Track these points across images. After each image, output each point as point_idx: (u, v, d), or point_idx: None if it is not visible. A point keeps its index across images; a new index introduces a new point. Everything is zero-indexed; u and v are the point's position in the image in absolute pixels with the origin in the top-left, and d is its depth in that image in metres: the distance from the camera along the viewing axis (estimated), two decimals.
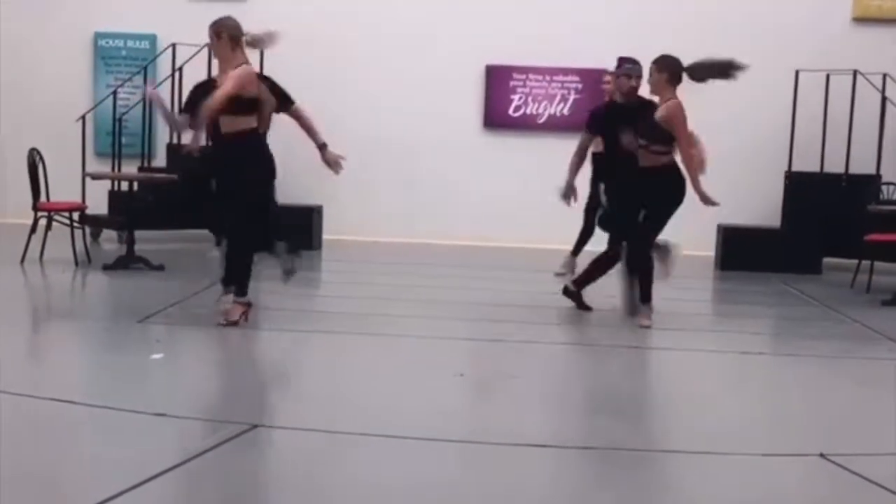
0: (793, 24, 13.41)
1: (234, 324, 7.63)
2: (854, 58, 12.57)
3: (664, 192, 8.25)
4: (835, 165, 12.54)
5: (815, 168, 12.69)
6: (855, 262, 10.87)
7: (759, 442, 5.52)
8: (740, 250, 11.95)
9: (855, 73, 12.38)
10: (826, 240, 11.88)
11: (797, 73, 12.53)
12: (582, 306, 8.88)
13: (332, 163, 8.08)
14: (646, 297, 8.38)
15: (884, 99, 12.28)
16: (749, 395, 6.68)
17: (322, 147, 8.11)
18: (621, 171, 8.46)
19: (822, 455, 4.98)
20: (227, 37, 7.88)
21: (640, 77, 8.81)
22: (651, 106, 8.52)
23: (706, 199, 8.14)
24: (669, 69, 8.29)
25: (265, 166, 7.81)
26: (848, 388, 6.97)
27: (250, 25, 13.34)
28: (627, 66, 8.81)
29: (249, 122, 7.72)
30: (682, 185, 8.22)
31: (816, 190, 12.44)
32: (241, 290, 7.75)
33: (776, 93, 12.87)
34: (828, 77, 12.57)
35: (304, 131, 8.15)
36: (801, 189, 12.57)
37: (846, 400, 6.68)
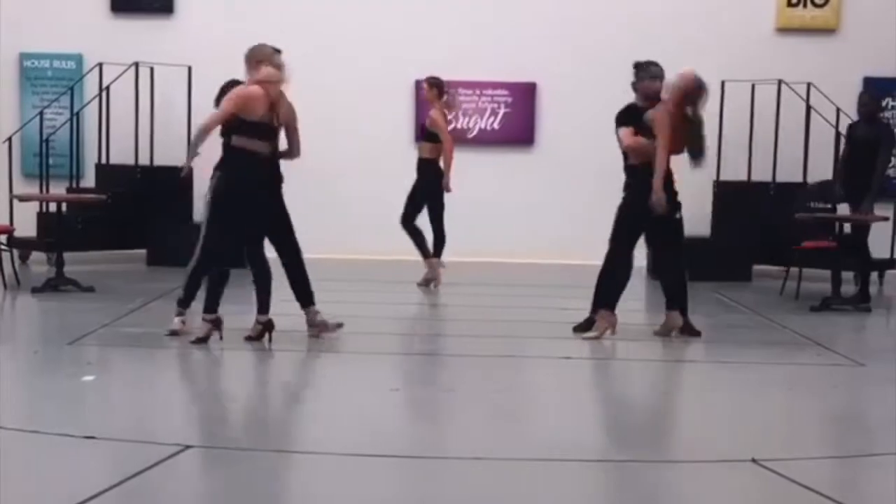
0: (718, 34, 13.53)
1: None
2: (778, 67, 12.73)
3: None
4: (762, 174, 12.68)
5: (743, 177, 12.82)
6: (784, 269, 10.99)
7: (692, 448, 5.57)
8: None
9: (780, 82, 12.53)
10: (755, 247, 12.00)
11: (723, 82, 12.65)
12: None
13: None
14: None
15: (808, 107, 12.43)
16: (680, 403, 6.74)
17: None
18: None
19: (753, 460, 5.03)
20: (246, 59, 7.79)
21: (662, 79, 8.51)
22: None
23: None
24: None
25: (242, 191, 7.69)
26: (778, 394, 7.05)
27: (177, 44, 13.31)
28: (654, 69, 8.51)
29: (255, 144, 7.67)
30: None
31: (745, 198, 12.57)
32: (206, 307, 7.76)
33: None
34: (753, 87, 12.72)
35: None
36: (729, 198, 12.69)
37: (777, 405, 6.76)
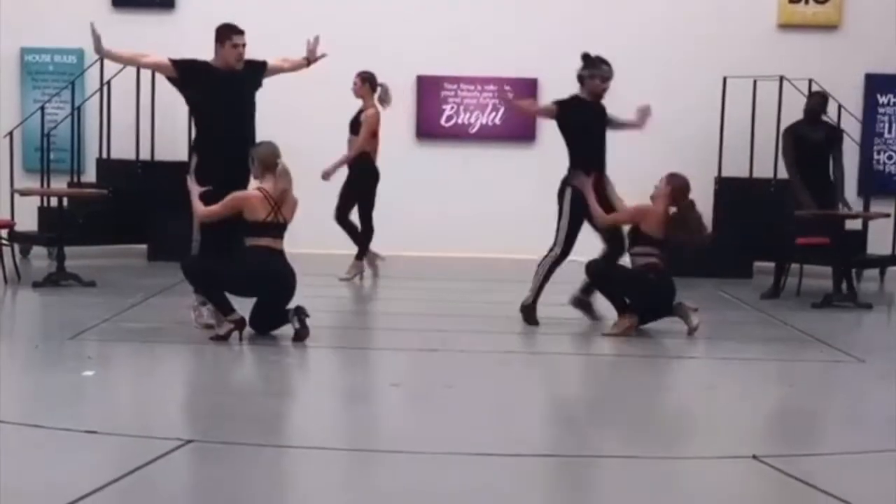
0: (720, 31, 13.53)
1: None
2: (780, 64, 12.72)
3: None
4: (764, 170, 12.68)
5: (745, 173, 12.82)
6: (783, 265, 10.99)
7: (692, 444, 5.57)
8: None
9: (781, 78, 12.53)
10: (756, 244, 11.99)
11: (725, 79, 12.65)
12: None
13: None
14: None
15: None
16: (681, 399, 6.73)
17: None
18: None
19: (754, 457, 5.03)
20: (256, 163, 7.87)
21: (611, 79, 8.72)
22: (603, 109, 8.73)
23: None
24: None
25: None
26: (779, 391, 7.06)
27: (178, 38, 13.29)
28: (605, 69, 8.69)
29: (263, 241, 7.80)
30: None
31: (746, 195, 12.56)
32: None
33: (705, 99, 12.99)
34: (755, 83, 12.71)
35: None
36: (730, 194, 12.69)
37: (778, 402, 6.77)
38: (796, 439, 5.86)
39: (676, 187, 8.44)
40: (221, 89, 8.12)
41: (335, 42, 13.77)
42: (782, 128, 12.47)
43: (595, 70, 8.66)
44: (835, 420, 6.24)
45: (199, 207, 7.84)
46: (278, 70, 8.68)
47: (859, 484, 4.73)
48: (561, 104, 8.73)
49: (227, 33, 8.20)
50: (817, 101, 11.18)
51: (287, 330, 7.78)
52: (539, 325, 8.59)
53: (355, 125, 11.27)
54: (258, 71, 8.38)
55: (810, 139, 10.94)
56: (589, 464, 5.15)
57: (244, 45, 8.24)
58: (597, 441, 5.65)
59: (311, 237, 11.73)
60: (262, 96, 8.37)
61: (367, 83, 11.31)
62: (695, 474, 4.99)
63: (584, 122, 8.60)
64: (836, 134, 11.09)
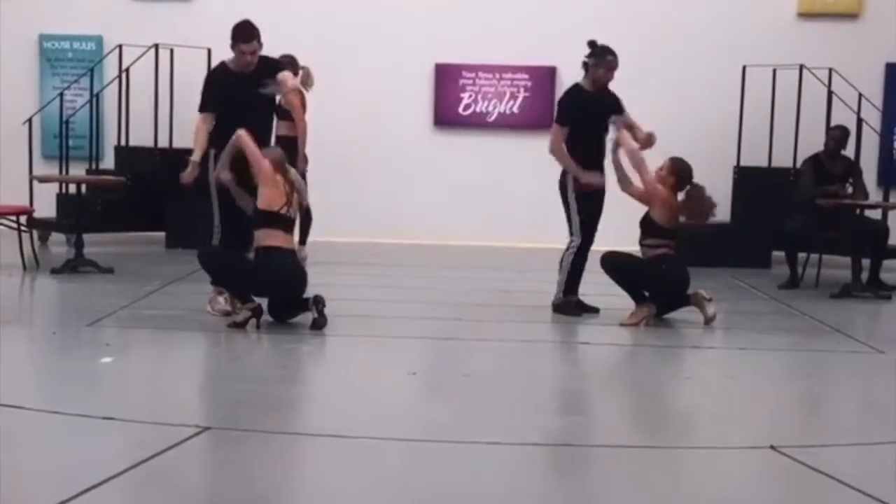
0: (739, 19, 13.47)
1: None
2: (800, 53, 12.67)
3: None
4: (782, 160, 12.62)
5: (763, 163, 12.77)
6: (804, 255, 10.94)
7: (711, 435, 5.56)
8: (690, 245, 11.98)
9: (801, 67, 12.47)
10: (775, 234, 11.94)
11: (744, 68, 12.60)
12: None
13: None
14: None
15: (830, 93, 12.36)
16: (699, 389, 6.71)
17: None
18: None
19: (772, 447, 5.02)
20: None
21: (616, 69, 8.66)
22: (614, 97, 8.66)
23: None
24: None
25: None
26: (797, 381, 7.03)
27: (197, 26, 13.31)
28: (610, 58, 8.62)
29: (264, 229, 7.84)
30: None
31: (765, 184, 12.52)
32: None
33: (724, 88, 12.94)
34: (774, 72, 12.66)
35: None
36: (749, 184, 12.64)
37: (796, 392, 6.74)
38: (815, 430, 5.84)
39: (681, 175, 8.40)
40: (232, 90, 8.11)
41: (355, 29, 13.85)
42: (802, 116, 12.44)
43: (600, 59, 8.60)
44: (853, 411, 6.22)
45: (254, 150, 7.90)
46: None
47: (877, 475, 4.71)
48: (562, 117, 8.70)
49: (235, 40, 8.14)
50: (839, 134, 11.08)
51: (304, 318, 7.80)
52: (581, 315, 8.59)
53: (281, 111, 11.22)
54: (271, 73, 8.29)
55: (830, 172, 10.89)
56: (605, 454, 5.14)
57: (252, 53, 8.12)
58: (613, 431, 5.64)
59: (320, 225, 11.75)
60: None
61: (294, 67, 11.24)
62: (713, 464, 4.97)
63: (580, 117, 8.55)
64: (855, 168, 11.03)
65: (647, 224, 8.39)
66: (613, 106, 8.69)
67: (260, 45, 8.19)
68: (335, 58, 13.57)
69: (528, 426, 5.50)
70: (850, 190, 10.91)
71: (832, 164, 10.93)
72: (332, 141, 13.46)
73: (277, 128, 11.15)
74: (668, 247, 8.35)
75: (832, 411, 6.25)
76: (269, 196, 7.76)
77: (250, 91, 8.09)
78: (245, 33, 8.12)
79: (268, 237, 7.75)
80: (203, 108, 8.31)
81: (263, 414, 5.66)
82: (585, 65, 8.67)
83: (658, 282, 8.35)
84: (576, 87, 8.72)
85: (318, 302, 7.71)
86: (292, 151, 10.97)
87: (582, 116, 8.56)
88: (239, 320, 7.70)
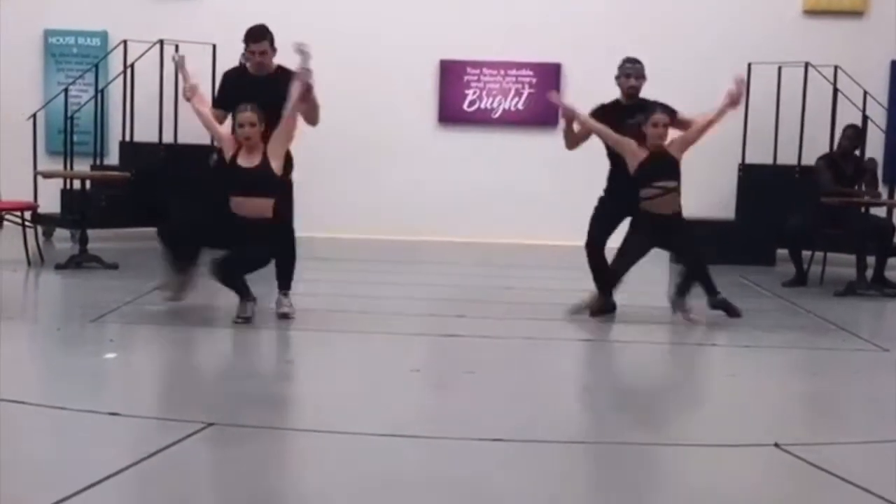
0: (744, 17, 13.47)
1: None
2: (805, 50, 12.65)
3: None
4: (788, 157, 12.62)
5: (769, 160, 12.76)
6: (808, 252, 10.93)
7: (714, 432, 5.55)
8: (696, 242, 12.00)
9: (806, 65, 12.46)
10: (779, 231, 11.94)
11: (749, 65, 12.58)
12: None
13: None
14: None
15: (835, 91, 12.36)
16: (703, 386, 6.71)
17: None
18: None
19: (776, 445, 5.01)
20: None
21: (640, 76, 8.57)
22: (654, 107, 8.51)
23: None
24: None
25: None
26: (802, 379, 7.02)
27: (202, 22, 13.31)
28: (627, 66, 8.57)
29: None
30: None
31: (770, 181, 12.51)
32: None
33: (729, 85, 12.89)
34: (780, 69, 12.65)
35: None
36: (754, 181, 12.64)
37: (800, 390, 6.73)
38: (819, 428, 5.84)
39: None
40: (245, 91, 7.97)
41: (360, 26, 13.84)
42: (807, 114, 12.43)
43: (620, 70, 8.58)
44: (857, 409, 6.20)
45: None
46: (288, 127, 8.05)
47: (882, 473, 4.71)
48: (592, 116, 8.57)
49: (246, 41, 8.11)
50: (853, 133, 11.05)
51: (308, 314, 7.80)
52: (612, 312, 8.56)
53: None
54: (284, 83, 7.99)
55: (843, 171, 10.86)
56: (608, 451, 5.14)
57: (261, 53, 8.04)
58: (616, 428, 5.63)
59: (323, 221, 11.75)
60: None
61: None
62: (716, 462, 4.97)
63: (609, 125, 8.49)
64: (867, 166, 10.99)
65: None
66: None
67: (273, 48, 8.11)
68: (340, 55, 13.57)
69: (532, 423, 5.50)
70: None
71: (845, 163, 10.91)
72: (337, 137, 13.45)
73: None
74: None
75: (836, 409, 6.24)
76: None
77: (263, 95, 7.94)
78: (255, 34, 8.09)
79: None
80: (214, 104, 8.30)
81: (268, 410, 5.66)
82: (616, 80, 8.62)
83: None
84: (609, 103, 8.61)
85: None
86: None
87: (610, 126, 8.45)
88: (246, 315, 7.71)
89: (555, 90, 8.61)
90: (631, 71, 8.55)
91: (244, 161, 7.73)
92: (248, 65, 8.27)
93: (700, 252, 8.53)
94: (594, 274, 8.52)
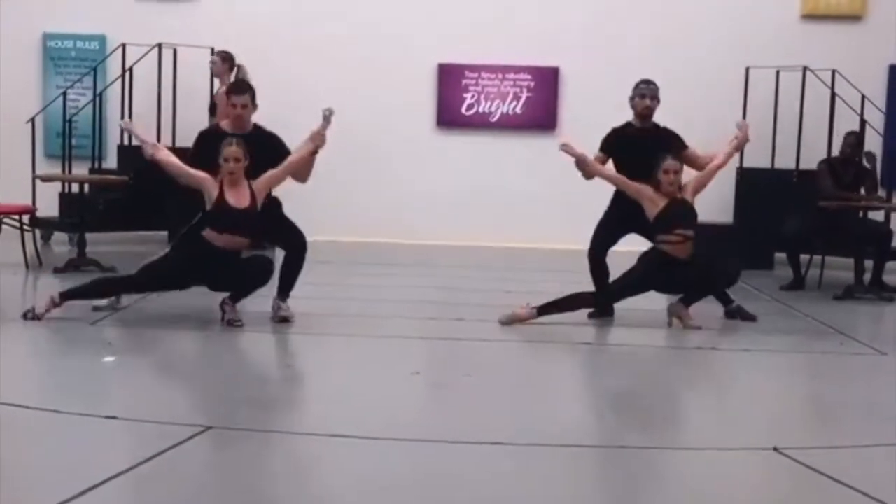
0: (742, 21, 13.47)
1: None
2: (803, 54, 12.67)
3: None
4: (785, 161, 12.63)
5: (767, 164, 12.77)
6: (806, 256, 10.94)
7: (713, 436, 5.55)
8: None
9: (804, 69, 12.47)
10: (777, 235, 11.94)
11: (747, 69, 12.61)
12: None
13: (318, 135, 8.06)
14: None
15: (833, 95, 12.36)
16: (701, 390, 6.71)
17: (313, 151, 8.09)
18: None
19: (775, 449, 5.01)
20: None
21: (654, 98, 8.54)
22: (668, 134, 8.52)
23: None
24: None
25: None
26: (800, 383, 7.03)
27: (200, 26, 13.32)
28: (642, 86, 8.54)
29: None
30: None
31: (768, 185, 12.52)
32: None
33: (727, 89, 12.93)
34: (777, 73, 12.66)
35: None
36: (752, 184, 12.65)
37: (799, 394, 6.74)
38: (817, 431, 5.84)
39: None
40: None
41: (357, 30, 13.84)
42: (805, 118, 12.43)
43: (634, 91, 8.56)
44: (856, 413, 6.20)
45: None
46: (285, 173, 8.07)
47: (881, 477, 4.71)
48: (604, 145, 8.61)
49: (229, 94, 8.14)
50: (854, 140, 11.06)
51: (308, 317, 7.80)
52: (611, 316, 8.58)
53: (214, 107, 11.19)
54: (265, 145, 8.00)
55: (842, 177, 10.87)
56: (607, 454, 5.14)
57: (243, 107, 7.97)
58: (615, 432, 5.64)
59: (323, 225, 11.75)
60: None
61: (227, 63, 11.22)
62: (715, 466, 4.97)
63: (619, 151, 8.51)
64: (865, 172, 11.01)
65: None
66: (665, 144, 8.46)
67: (254, 105, 8.10)
68: (338, 58, 13.59)
69: (531, 427, 5.50)
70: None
71: (845, 169, 10.92)
72: (335, 141, 13.44)
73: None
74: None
75: (835, 413, 6.24)
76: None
77: (234, 215, 7.84)
78: (238, 87, 8.20)
79: None
80: (188, 163, 7.98)
81: (266, 413, 5.66)
82: (630, 101, 8.62)
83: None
84: (622, 126, 8.62)
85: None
86: None
87: (622, 151, 8.48)
88: (237, 319, 7.74)
89: (567, 140, 8.47)
90: (646, 91, 8.52)
91: (233, 199, 7.69)
92: (224, 125, 8.22)
93: (729, 267, 8.60)
94: (595, 281, 8.55)
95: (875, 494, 4.38)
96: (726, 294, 8.68)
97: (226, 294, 7.92)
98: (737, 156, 12.61)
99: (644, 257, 8.39)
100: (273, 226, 8.09)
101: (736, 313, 8.67)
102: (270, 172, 7.87)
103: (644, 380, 7.04)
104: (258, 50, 12.36)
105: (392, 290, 9.93)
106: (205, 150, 7.96)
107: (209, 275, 7.76)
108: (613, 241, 8.60)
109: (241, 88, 8.15)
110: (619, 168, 8.51)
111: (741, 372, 7.17)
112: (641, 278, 8.31)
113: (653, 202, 8.24)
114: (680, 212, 8.27)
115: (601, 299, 8.47)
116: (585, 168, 8.40)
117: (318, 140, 8.05)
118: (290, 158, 7.97)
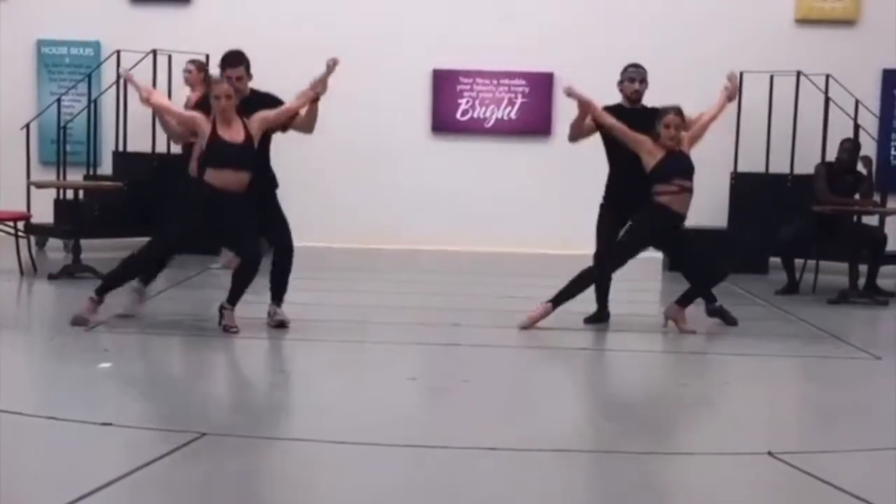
0: (736, 25, 13.49)
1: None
2: (797, 59, 12.68)
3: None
4: (780, 166, 12.64)
5: (761, 169, 12.78)
6: (801, 261, 10.95)
7: (708, 441, 5.56)
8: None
9: (798, 74, 12.49)
10: (772, 240, 11.96)
11: (741, 74, 12.59)
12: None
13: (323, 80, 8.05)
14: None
15: (827, 99, 12.38)
16: (696, 394, 6.71)
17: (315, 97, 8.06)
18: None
19: (769, 453, 5.02)
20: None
21: (642, 81, 8.59)
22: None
23: None
24: None
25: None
26: (795, 387, 7.04)
27: (195, 32, 13.31)
28: (630, 70, 8.59)
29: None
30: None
31: (762, 190, 12.54)
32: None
33: (723, 81, 12.91)
34: (772, 78, 12.68)
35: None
36: (746, 189, 12.66)
37: (793, 398, 6.75)
38: (812, 436, 5.85)
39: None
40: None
41: (352, 35, 13.84)
42: (799, 122, 12.45)
43: (623, 74, 8.60)
44: (851, 417, 6.21)
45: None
46: (287, 116, 8.09)
47: (875, 481, 4.72)
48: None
49: (222, 66, 8.02)
50: (851, 146, 11.07)
51: (303, 323, 7.81)
52: (606, 321, 8.57)
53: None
54: (265, 105, 8.02)
55: (839, 182, 10.89)
56: (603, 459, 5.14)
57: (238, 79, 7.92)
58: (611, 437, 5.64)
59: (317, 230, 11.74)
60: (274, 90, 8.27)
61: (202, 72, 11.22)
62: (710, 470, 4.97)
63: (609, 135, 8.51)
64: (862, 177, 11.02)
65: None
66: (643, 121, 8.45)
67: (249, 74, 8.10)
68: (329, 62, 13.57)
69: (527, 432, 5.50)
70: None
71: (842, 174, 10.92)
72: (330, 147, 13.48)
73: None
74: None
75: (829, 417, 6.25)
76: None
77: (231, 149, 7.86)
78: (231, 59, 8.06)
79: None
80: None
81: (261, 419, 5.67)
82: (618, 85, 8.64)
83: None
84: (615, 105, 8.59)
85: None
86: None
87: (607, 135, 8.47)
88: (232, 323, 7.75)
89: (571, 84, 8.46)
90: (635, 75, 8.58)
91: (227, 135, 7.69)
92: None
93: (717, 265, 8.58)
94: (597, 285, 8.54)
95: (870, 498, 4.39)
96: (711, 293, 8.66)
97: (223, 298, 7.91)
98: (731, 160, 12.71)
99: (639, 218, 8.34)
100: (266, 211, 8.02)
101: (718, 313, 8.64)
102: (264, 112, 7.85)
103: (639, 385, 7.05)
104: (253, 56, 12.34)
105: (387, 295, 9.92)
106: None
107: (224, 222, 7.70)
108: (616, 235, 8.53)
109: (234, 61, 8.02)
110: (608, 145, 8.51)
111: (735, 376, 7.18)
112: (639, 232, 8.27)
113: (651, 154, 8.21)
114: (678, 164, 8.23)
115: (606, 267, 8.44)
116: (589, 110, 8.35)
117: (319, 87, 8.01)
118: (287, 105, 7.98)
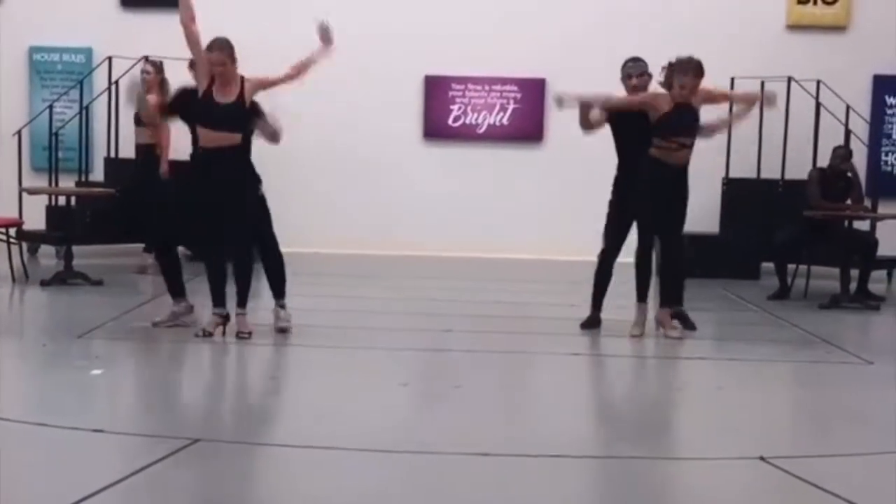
0: (728, 31, 13.51)
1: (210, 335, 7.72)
2: (788, 65, 12.71)
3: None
4: (771, 171, 12.66)
5: (752, 174, 12.81)
6: (792, 266, 10.97)
7: (700, 446, 5.57)
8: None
9: (789, 79, 12.51)
10: (764, 245, 11.98)
11: (732, 80, 12.62)
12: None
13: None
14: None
15: (818, 105, 12.41)
16: (688, 400, 6.72)
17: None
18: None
19: (762, 458, 5.03)
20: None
21: (642, 75, 8.52)
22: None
23: None
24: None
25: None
26: (787, 392, 7.05)
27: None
28: (629, 65, 8.56)
29: None
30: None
31: (753, 196, 12.56)
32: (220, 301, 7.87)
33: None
34: (762, 84, 12.68)
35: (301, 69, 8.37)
36: (738, 195, 12.69)
37: (785, 403, 6.76)
38: (804, 441, 5.85)
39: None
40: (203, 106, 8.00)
41: (343, 41, 13.83)
42: (790, 128, 12.47)
43: (623, 71, 8.57)
44: (843, 421, 6.22)
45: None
46: (279, 79, 8.27)
47: (867, 485, 4.73)
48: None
49: (208, 50, 8.08)
50: (844, 153, 11.10)
51: (295, 329, 7.82)
52: (598, 326, 8.56)
53: (139, 117, 11.15)
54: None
55: (832, 188, 10.92)
56: (595, 464, 5.15)
57: (221, 65, 7.94)
58: (603, 442, 5.65)
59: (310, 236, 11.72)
60: (266, 97, 8.28)
61: (160, 74, 11.20)
62: (702, 475, 4.98)
63: (620, 120, 8.47)
64: (852, 182, 11.05)
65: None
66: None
67: (233, 60, 8.08)
68: (324, 70, 13.56)
69: (519, 437, 5.51)
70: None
71: (835, 180, 10.95)
72: (322, 153, 13.50)
73: (139, 135, 11.21)
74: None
75: (821, 422, 6.26)
76: None
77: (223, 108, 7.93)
78: (214, 46, 8.07)
79: None
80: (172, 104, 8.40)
81: (254, 425, 5.66)
82: (622, 80, 8.63)
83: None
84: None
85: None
86: (151, 158, 11.00)
87: (621, 118, 8.43)
88: (210, 329, 7.73)
89: (558, 93, 8.45)
90: (632, 71, 8.54)
91: (220, 96, 7.84)
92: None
93: (684, 255, 8.56)
94: (596, 285, 8.54)
95: (861, 503, 4.40)
96: (681, 295, 8.63)
97: (233, 299, 7.90)
98: (722, 167, 12.73)
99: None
100: (254, 209, 8.00)
101: (679, 316, 8.62)
102: (264, 75, 8.02)
103: (632, 390, 7.05)
104: (245, 63, 12.33)
105: (379, 301, 9.92)
106: (176, 104, 8.43)
107: (217, 198, 7.71)
108: (624, 237, 8.52)
109: (216, 47, 8.06)
110: (617, 136, 8.49)
111: (728, 381, 7.18)
112: (639, 189, 8.26)
113: (658, 108, 8.17)
114: (683, 119, 8.19)
115: (608, 248, 8.47)
116: (590, 107, 8.34)
117: (323, 33, 8.64)
118: (287, 70, 8.31)
